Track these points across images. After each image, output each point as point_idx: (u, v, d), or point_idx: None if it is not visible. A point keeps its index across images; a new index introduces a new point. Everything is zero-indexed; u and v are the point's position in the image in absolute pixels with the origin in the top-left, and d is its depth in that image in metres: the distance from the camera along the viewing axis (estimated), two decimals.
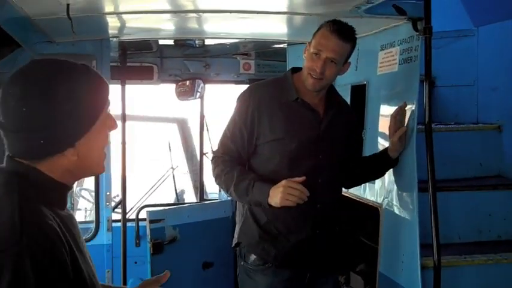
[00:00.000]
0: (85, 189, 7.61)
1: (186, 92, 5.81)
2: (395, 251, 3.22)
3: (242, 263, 3.09)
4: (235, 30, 4.19)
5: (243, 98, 3.04)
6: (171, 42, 5.25)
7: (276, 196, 2.78)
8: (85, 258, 1.69)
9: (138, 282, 5.12)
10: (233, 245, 3.16)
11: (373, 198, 3.52)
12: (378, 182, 3.44)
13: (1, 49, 3.06)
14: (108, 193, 4.20)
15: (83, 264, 1.61)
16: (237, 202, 3.17)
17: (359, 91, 3.79)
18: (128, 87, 5.11)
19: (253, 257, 3.04)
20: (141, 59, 5.41)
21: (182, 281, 4.83)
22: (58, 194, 1.64)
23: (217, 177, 3.04)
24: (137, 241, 5.43)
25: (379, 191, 3.46)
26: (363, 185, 3.60)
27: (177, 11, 3.43)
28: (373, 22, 3.44)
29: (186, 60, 5.60)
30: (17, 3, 2.69)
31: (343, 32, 2.86)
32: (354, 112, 3.32)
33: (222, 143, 3.07)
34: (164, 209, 5.19)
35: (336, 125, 3.06)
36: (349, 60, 3.00)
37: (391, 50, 3.39)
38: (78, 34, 3.65)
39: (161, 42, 5.17)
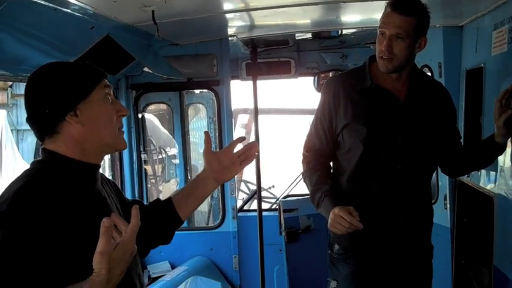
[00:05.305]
0: (243, 181, 8.01)
1: None
2: (508, 243, 3.02)
3: (329, 251, 3.14)
4: (370, 17, 4.14)
5: (322, 91, 3.09)
6: (308, 35, 5.34)
7: (329, 219, 2.80)
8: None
9: (284, 269, 5.31)
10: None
11: (487, 187, 3.32)
12: (491, 169, 3.23)
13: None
14: (232, 183, 4.44)
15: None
16: None
17: (475, 75, 3.58)
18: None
19: (336, 246, 3.08)
20: (278, 54, 5.57)
21: (317, 269, 4.92)
22: (79, 172, 1.85)
23: (303, 179, 3.15)
24: (281, 230, 5.63)
25: (492, 179, 3.25)
26: (479, 171, 3.41)
27: (304, 4, 3.51)
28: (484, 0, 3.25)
29: (322, 52, 5.65)
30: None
31: (403, 6, 2.75)
32: (448, 94, 3.10)
33: (307, 137, 3.14)
34: (298, 199, 5.31)
35: (421, 109, 2.93)
36: (426, 36, 2.84)
37: (501, 28, 3.17)
38: (199, 35, 3.93)
39: (298, 36, 5.29)
